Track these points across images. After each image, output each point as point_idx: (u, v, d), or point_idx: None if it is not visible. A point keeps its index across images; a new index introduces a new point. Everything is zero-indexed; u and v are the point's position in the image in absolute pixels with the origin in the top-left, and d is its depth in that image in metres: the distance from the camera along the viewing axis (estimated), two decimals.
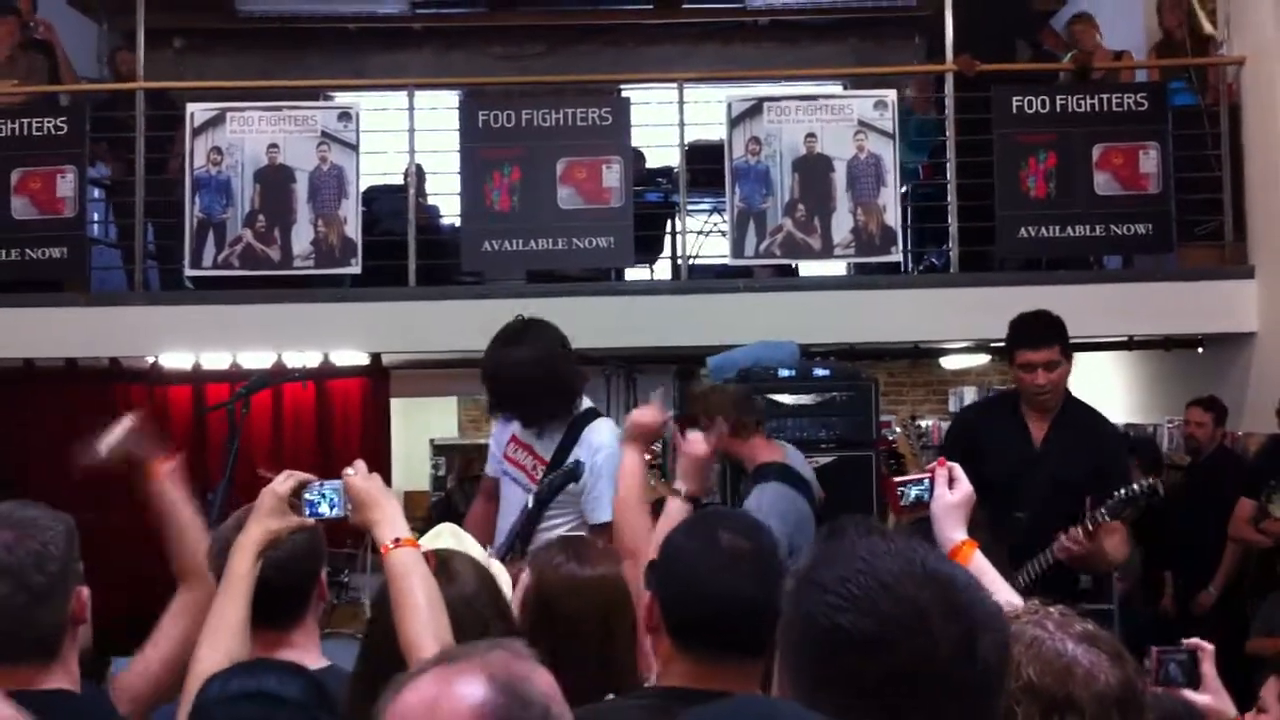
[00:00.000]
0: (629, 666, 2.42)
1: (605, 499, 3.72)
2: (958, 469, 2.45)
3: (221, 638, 2.27)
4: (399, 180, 7.77)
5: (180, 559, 2.69)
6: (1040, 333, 4.35)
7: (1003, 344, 4.55)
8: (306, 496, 2.43)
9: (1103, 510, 4.04)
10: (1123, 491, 4.07)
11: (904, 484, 2.49)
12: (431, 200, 8.23)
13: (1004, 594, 2.14)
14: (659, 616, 2.08)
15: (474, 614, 2.27)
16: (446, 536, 2.61)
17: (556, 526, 3.88)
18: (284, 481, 2.43)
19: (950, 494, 2.41)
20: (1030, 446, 4.39)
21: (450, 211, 7.90)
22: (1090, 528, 4.03)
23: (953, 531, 2.36)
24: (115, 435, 2.78)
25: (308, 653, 2.46)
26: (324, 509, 2.43)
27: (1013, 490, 4.24)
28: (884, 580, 1.31)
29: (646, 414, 3.47)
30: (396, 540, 2.29)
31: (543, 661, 1.37)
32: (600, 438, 3.97)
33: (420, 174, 7.81)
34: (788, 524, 4.47)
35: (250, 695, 2.02)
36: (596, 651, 2.39)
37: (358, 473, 2.42)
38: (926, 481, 2.46)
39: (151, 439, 2.79)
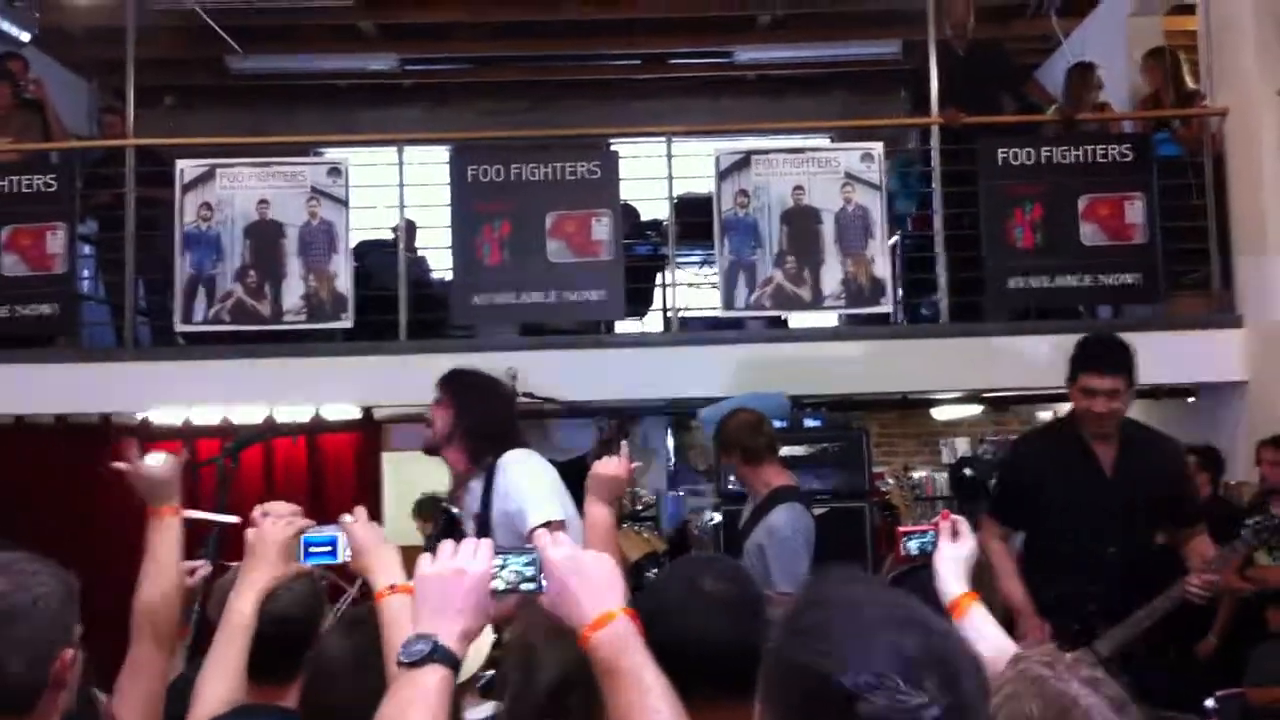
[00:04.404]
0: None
1: (528, 503, 3.71)
2: (962, 522, 2.47)
3: (221, 679, 2.29)
4: (389, 235, 7.79)
5: (145, 610, 2.62)
6: (1110, 359, 4.09)
7: (995, 395, 4.49)
8: (306, 542, 2.46)
9: (1238, 543, 4.07)
10: (1256, 520, 4.07)
11: (908, 534, 2.49)
12: (422, 254, 8.24)
13: (1004, 643, 2.13)
14: None
15: None
16: None
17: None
18: (286, 528, 2.46)
19: (954, 547, 2.43)
20: (1102, 475, 4.17)
21: (441, 265, 7.90)
22: (1223, 563, 4.05)
23: (954, 585, 2.37)
24: (159, 461, 2.75)
25: None
26: (324, 555, 2.46)
27: (1082, 520, 4.10)
28: (866, 627, 1.30)
29: (609, 466, 3.32)
30: (392, 587, 2.30)
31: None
32: (503, 460, 3.91)
33: (411, 228, 7.82)
34: (811, 546, 4.56)
35: None
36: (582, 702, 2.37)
37: (358, 520, 2.46)
38: (930, 534, 2.46)
39: (174, 487, 2.76)
